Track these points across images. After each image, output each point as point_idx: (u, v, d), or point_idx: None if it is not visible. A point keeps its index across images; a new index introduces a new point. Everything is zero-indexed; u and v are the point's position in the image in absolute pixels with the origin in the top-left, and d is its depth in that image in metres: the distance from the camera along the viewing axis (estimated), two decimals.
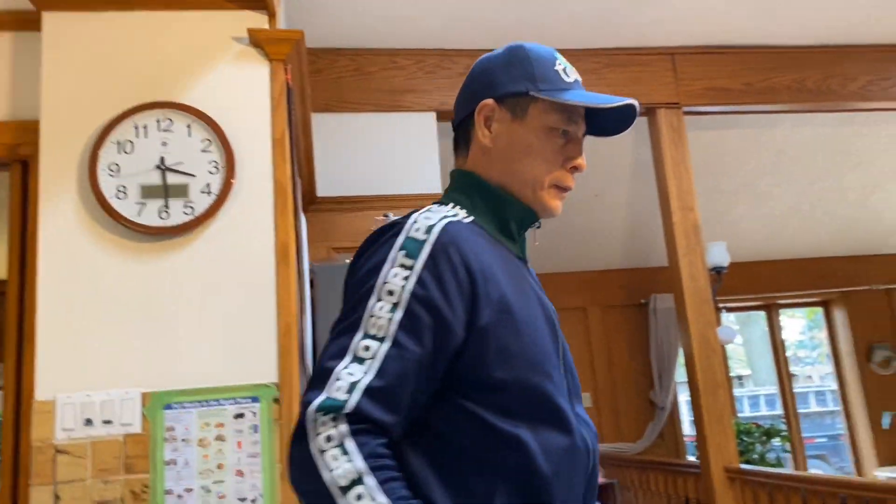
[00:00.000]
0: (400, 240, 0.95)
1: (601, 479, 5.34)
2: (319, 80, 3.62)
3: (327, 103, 3.62)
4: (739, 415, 9.17)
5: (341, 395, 0.85)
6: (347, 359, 0.88)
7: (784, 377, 6.23)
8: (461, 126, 1.11)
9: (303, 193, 2.92)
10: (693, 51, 3.95)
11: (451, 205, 1.07)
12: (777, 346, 6.34)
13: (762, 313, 6.47)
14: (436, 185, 3.55)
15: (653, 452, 5.62)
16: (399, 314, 0.90)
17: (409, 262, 0.93)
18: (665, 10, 3.57)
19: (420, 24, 3.52)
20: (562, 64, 1.09)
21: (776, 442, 5.24)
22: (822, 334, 6.61)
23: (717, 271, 4.94)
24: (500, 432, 0.92)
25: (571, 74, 1.09)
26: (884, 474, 5.49)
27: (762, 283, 6.10)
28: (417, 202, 3.40)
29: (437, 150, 3.64)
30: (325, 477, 0.82)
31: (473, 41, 3.64)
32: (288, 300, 2.00)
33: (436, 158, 3.62)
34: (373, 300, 0.91)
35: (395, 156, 3.60)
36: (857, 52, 4.08)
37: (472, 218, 1.05)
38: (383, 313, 0.90)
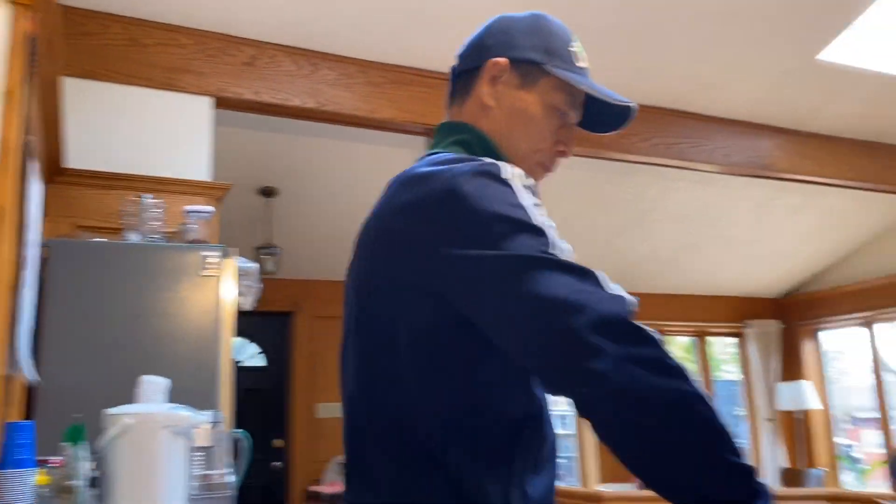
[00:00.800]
0: (516, 181, 0.89)
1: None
2: (85, 44, 3.33)
3: (92, 69, 3.34)
4: None
5: (629, 298, 0.80)
6: (585, 285, 0.80)
7: None
8: (462, 76, 1.08)
9: (43, 160, 2.66)
10: None
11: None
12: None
13: None
14: (203, 173, 3.40)
15: None
16: (569, 246, 0.86)
17: (538, 201, 0.89)
18: (454, 36, 3.74)
19: (204, 4, 3.38)
20: (576, 47, 1.06)
21: None
22: None
23: None
24: (530, 393, 0.93)
25: (582, 60, 1.07)
26: (605, 488, 6.07)
27: None
28: (181, 188, 3.24)
29: (209, 136, 3.49)
30: (675, 363, 0.77)
31: (259, 33, 3.56)
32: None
33: (207, 145, 3.47)
34: (545, 228, 0.84)
35: (162, 136, 3.40)
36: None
37: None
38: (561, 241, 0.84)
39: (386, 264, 0.92)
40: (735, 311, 7.54)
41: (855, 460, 10.07)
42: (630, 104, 1.04)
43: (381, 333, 0.91)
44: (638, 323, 0.78)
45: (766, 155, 5.03)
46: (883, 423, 6.84)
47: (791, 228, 6.43)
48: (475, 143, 1.03)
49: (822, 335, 7.59)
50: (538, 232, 0.84)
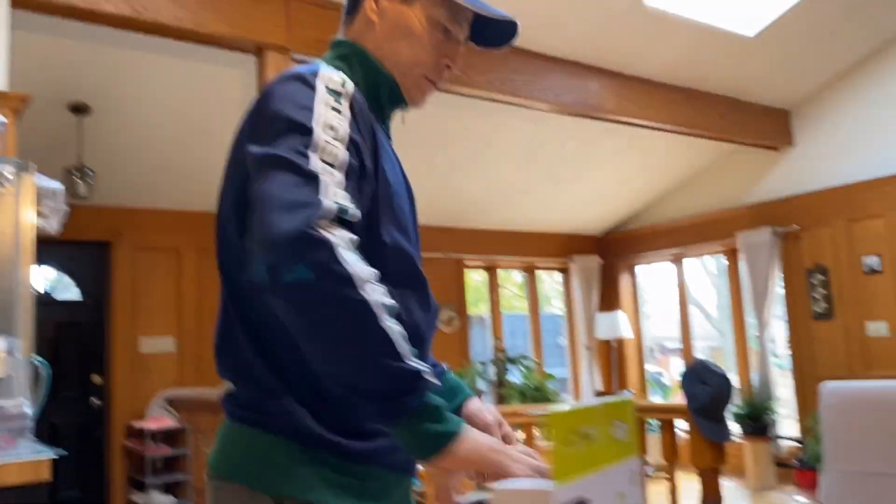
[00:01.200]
0: (320, 85, 0.96)
1: (174, 424, 5.18)
2: None
3: None
4: None
5: (342, 202, 0.86)
6: (319, 168, 0.88)
7: None
8: None
9: None
10: (307, 1, 3.99)
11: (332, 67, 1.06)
12: None
13: None
14: (1, 82, 3.03)
15: None
16: (343, 154, 0.91)
17: (338, 106, 0.95)
18: None
19: None
20: None
21: None
22: None
23: None
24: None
25: None
26: None
27: None
28: None
29: (5, 39, 3.11)
30: (347, 268, 0.83)
31: None
32: None
33: (1, 49, 3.09)
34: (318, 129, 0.90)
35: None
36: None
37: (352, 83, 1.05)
38: (332, 143, 0.90)
39: (232, 153, 1.04)
40: (561, 248, 7.95)
41: (662, 385, 11.12)
42: (512, 19, 1.11)
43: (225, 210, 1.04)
44: (323, 234, 0.83)
45: (594, 96, 5.25)
46: (686, 351, 7.54)
47: (613, 169, 6.81)
48: (353, 58, 1.10)
49: (637, 270, 8.19)
50: (305, 132, 0.91)
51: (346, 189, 0.89)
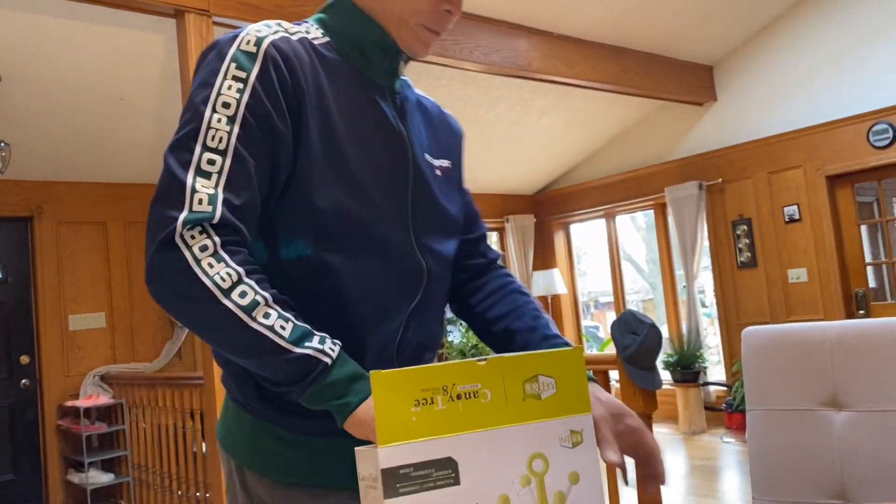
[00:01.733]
0: (231, 51, 0.92)
1: (108, 400, 5.08)
2: None
3: None
4: None
5: (205, 208, 0.86)
6: (192, 172, 0.87)
7: None
8: None
9: None
10: None
11: (309, 23, 1.05)
12: None
13: None
14: None
15: (170, 370, 5.55)
16: (236, 127, 0.89)
17: (241, 74, 0.91)
18: None
19: None
20: None
21: None
22: None
23: None
24: (314, 259, 0.95)
25: None
26: None
27: None
28: None
29: None
30: (207, 281, 0.84)
31: None
32: None
33: None
34: (208, 112, 0.89)
35: None
36: None
37: (327, 39, 1.03)
38: (221, 125, 0.89)
39: None
40: (496, 208, 8.01)
41: (598, 339, 11.41)
42: None
43: None
44: (176, 255, 0.85)
45: (523, 55, 5.26)
46: (618, 305, 7.75)
47: (544, 128, 6.87)
48: (334, 10, 1.06)
49: (572, 228, 8.34)
50: (197, 118, 0.91)
51: (230, 172, 0.89)
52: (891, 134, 5.53)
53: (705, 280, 7.10)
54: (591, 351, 9.43)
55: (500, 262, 1.29)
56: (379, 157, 1.02)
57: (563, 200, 8.07)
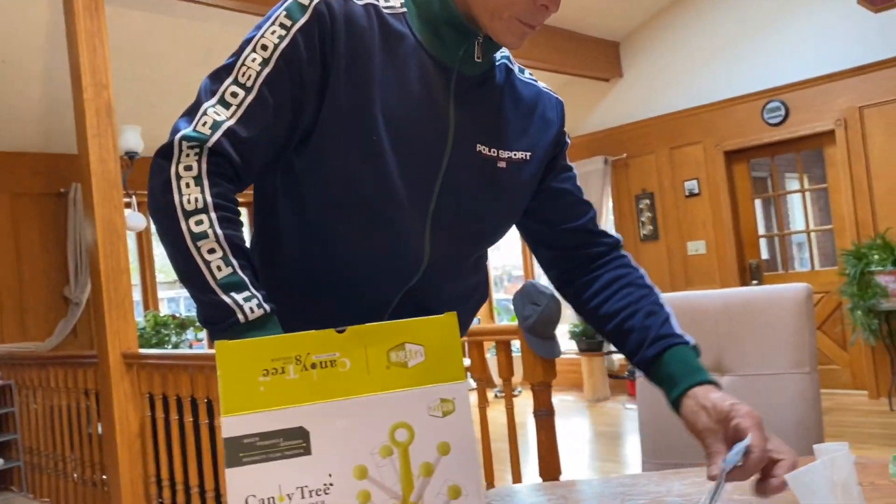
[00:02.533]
0: (291, 3, 0.95)
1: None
2: None
3: None
4: (176, 313, 9.31)
5: (206, 130, 0.90)
6: (215, 99, 0.92)
7: None
8: None
9: None
10: None
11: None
12: None
13: None
14: None
15: (65, 349, 5.30)
16: (267, 69, 0.92)
17: (287, 22, 0.94)
18: None
19: None
20: None
21: (190, 332, 5.46)
22: None
23: (129, 156, 4.80)
24: (313, 219, 1.00)
25: None
26: None
27: None
28: None
29: None
30: (176, 198, 0.88)
31: None
32: None
33: None
34: (248, 50, 0.93)
35: None
36: None
37: (403, 10, 1.02)
38: (254, 65, 0.93)
39: None
40: None
41: (510, 312, 11.61)
42: None
43: None
44: (165, 163, 0.91)
45: None
46: (528, 278, 7.89)
47: None
48: None
49: None
50: (236, 55, 0.95)
51: (249, 105, 0.92)
52: (783, 112, 5.79)
53: None
54: (503, 323, 9.54)
55: (620, 246, 1.19)
56: (413, 138, 0.99)
57: None
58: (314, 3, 0.95)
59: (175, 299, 12.47)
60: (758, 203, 6.27)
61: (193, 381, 3.17)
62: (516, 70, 1.15)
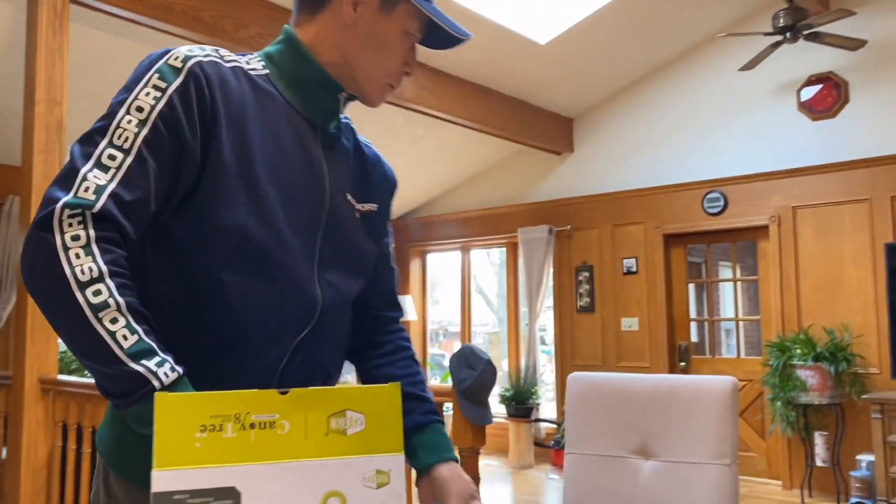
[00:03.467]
0: (158, 64, 0.97)
1: None
2: None
3: None
4: None
5: (89, 196, 0.87)
6: (91, 163, 0.89)
7: None
8: None
9: None
10: None
11: (252, 55, 1.10)
12: None
13: None
14: None
15: None
16: (145, 130, 0.93)
17: (162, 84, 0.96)
18: None
19: None
20: None
21: None
22: None
23: None
24: (208, 275, 0.97)
25: None
26: None
27: None
28: None
29: None
30: (66, 270, 0.83)
31: None
32: None
33: None
34: (122, 113, 0.94)
35: None
36: (252, 2, 4.36)
37: (266, 71, 1.08)
38: (130, 126, 0.93)
39: None
40: None
41: (442, 367, 11.56)
42: (467, 37, 1.14)
43: None
44: (47, 236, 0.85)
45: None
46: (464, 335, 7.91)
47: (411, 156, 6.95)
48: (284, 45, 1.12)
49: (428, 256, 8.43)
50: (109, 116, 0.95)
51: (128, 168, 0.91)
52: (722, 202, 6.04)
53: (547, 320, 7.39)
54: (434, 379, 9.51)
55: (401, 321, 1.33)
56: (295, 190, 1.05)
57: (422, 229, 8.16)
58: (188, 65, 0.98)
59: None
60: (691, 287, 6.48)
61: None
62: (356, 130, 1.28)
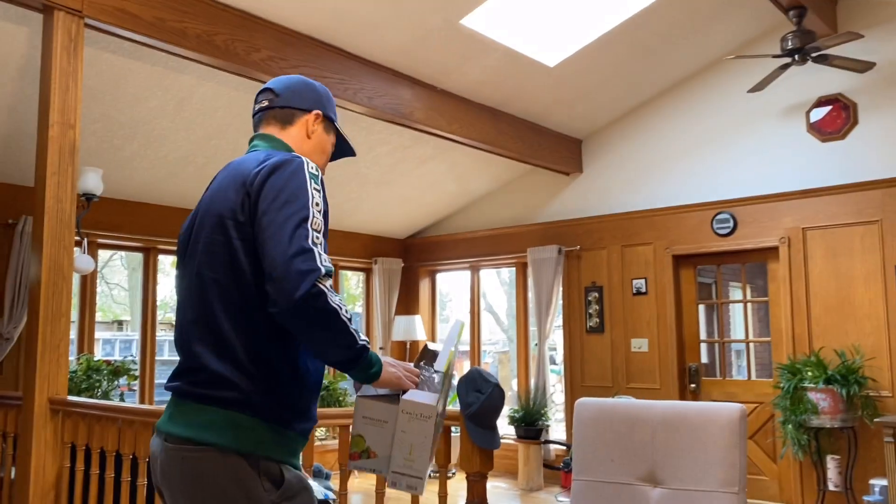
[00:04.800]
0: (308, 172, 1.52)
1: None
2: None
3: None
4: (110, 357, 9.02)
5: (329, 265, 1.42)
6: (310, 242, 1.41)
7: (149, 323, 6.35)
8: (287, 108, 1.73)
9: None
10: None
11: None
12: (149, 292, 6.42)
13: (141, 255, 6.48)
14: None
15: None
16: (322, 220, 1.49)
17: (318, 187, 1.52)
18: None
19: None
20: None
21: (123, 379, 5.29)
22: None
23: (87, 198, 4.74)
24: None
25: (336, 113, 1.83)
26: None
27: (144, 225, 6.12)
28: None
29: None
30: (339, 303, 1.43)
31: None
32: None
33: None
34: (311, 207, 1.46)
35: None
36: (263, 25, 4.41)
37: None
38: (318, 217, 1.47)
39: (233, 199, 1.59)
40: (366, 249, 8.00)
41: (452, 387, 11.55)
42: (353, 154, 1.90)
43: None
44: (321, 287, 1.41)
45: (406, 104, 5.35)
46: (473, 355, 7.89)
47: (420, 176, 6.98)
48: (277, 146, 1.70)
49: (438, 276, 8.44)
50: (306, 208, 1.48)
51: (323, 245, 1.45)
52: (732, 224, 6.03)
53: (557, 339, 7.37)
54: None
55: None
56: None
57: (432, 248, 8.17)
58: (320, 174, 1.56)
59: (111, 341, 12.10)
60: (701, 308, 6.45)
61: (122, 434, 3.07)
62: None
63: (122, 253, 8.60)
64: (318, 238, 1.42)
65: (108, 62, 4.41)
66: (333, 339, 1.41)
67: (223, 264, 1.49)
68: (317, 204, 1.47)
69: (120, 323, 12.67)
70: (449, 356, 1.61)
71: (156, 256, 6.48)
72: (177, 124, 5.21)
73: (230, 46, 4.23)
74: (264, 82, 4.68)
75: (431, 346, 1.75)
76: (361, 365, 1.45)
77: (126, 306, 12.45)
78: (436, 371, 1.56)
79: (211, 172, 5.92)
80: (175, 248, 6.63)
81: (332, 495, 4.33)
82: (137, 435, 3.00)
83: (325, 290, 1.38)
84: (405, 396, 1.48)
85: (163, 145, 5.42)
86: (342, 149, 1.86)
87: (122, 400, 5.26)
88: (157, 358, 6.40)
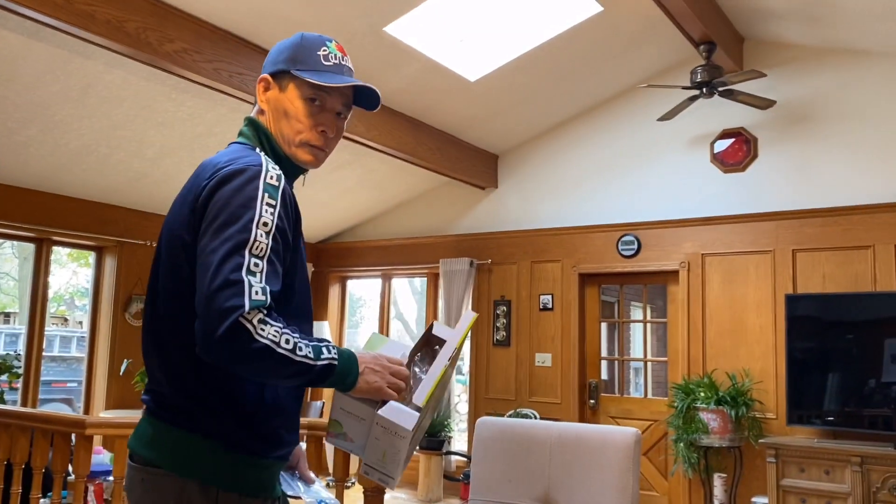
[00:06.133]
0: (262, 184, 1.32)
1: None
2: None
3: None
4: None
5: (263, 297, 1.25)
6: (244, 272, 1.24)
7: (38, 317, 6.01)
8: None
9: None
10: None
11: (259, 151, 1.43)
12: (39, 284, 6.08)
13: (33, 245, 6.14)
14: None
15: None
16: (270, 241, 1.29)
17: (272, 201, 1.32)
18: None
19: None
20: (327, 49, 1.48)
21: (3, 378, 4.98)
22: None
23: None
24: (293, 312, 1.41)
25: (332, 59, 1.48)
26: (109, 414, 5.79)
27: (38, 214, 5.80)
28: None
29: None
30: (273, 337, 1.24)
31: None
32: None
33: None
34: (255, 228, 1.28)
35: None
36: (178, 16, 4.26)
37: (279, 171, 1.38)
38: (262, 239, 1.28)
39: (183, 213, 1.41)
40: None
41: None
42: (352, 84, 1.46)
43: None
44: (244, 324, 1.24)
45: None
46: None
47: (335, 181, 6.89)
48: (262, 137, 1.47)
49: (349, 283, 8.35)
50: (245, 231, 1.29)
51: (266, 271, 1.27)
52: (636, 246, 6.23)
53: (465, 348, 7.41)
54: None
55: None
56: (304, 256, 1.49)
57: (344, 255, 8.08)
58: (281, 184, 1.34)
59: (13, 340, 11.38)
60: (603, 326, 6.63)
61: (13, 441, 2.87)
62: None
63: (14, 242, 8.12)
64: (256, 265, 1.25)
65: (4, 39, 4.16)
66: (277, 372, 1.25)
67: (173, 290, 1.36)
68: (265, 224, 1.27)
69: (7, 315, 11.98)
70: (434, 382, 1.40)
71: (49, 247, 6.14)
72: (80, 111, 4.96)
73: (142, 35, 4.06)
74: (178, 76, 4.53)
75: (439, 327, 1.51)
76: (331, 380, 1.30)
77: (15, 297, 11.78)
78: (416, 407, 1.35)
79: (114, 163, 5.67)
80: (72, 239, 6.29)
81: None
82: (14, 440, 2.82)
83: (251, 328, 1.21)
84: (382, 412, 1.32)
85: (64, 133, 5.14)
86: (361, 96, 1.51)
87: (1, 400, 4.94)
88: (44, 354, 6.06)
